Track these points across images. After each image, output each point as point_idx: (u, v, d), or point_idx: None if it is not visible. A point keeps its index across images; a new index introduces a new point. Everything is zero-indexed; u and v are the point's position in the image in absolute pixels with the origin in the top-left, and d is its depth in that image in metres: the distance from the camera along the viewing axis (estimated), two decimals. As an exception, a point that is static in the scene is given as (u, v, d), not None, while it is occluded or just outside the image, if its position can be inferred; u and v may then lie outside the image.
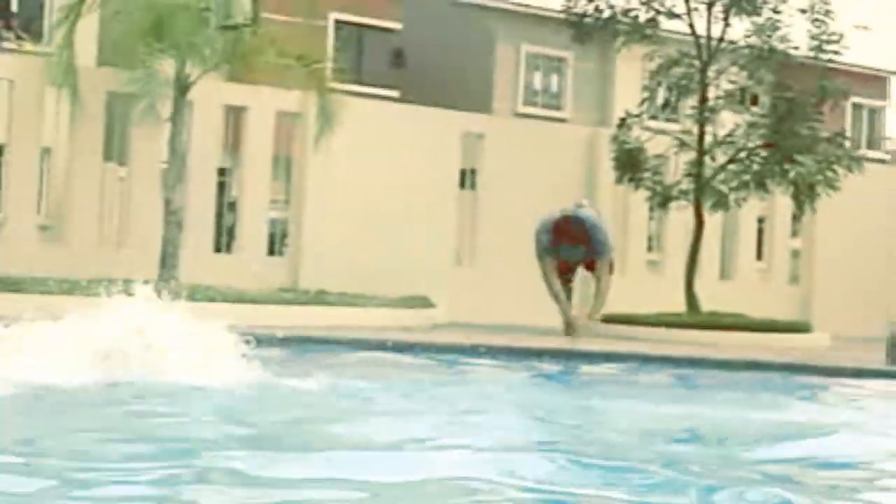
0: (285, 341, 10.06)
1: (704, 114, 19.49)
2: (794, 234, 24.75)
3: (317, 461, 5.26)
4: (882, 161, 35.36)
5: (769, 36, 19.49)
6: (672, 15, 19.74)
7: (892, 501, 5.26)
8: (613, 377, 11.64)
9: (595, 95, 35.13)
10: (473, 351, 11.95)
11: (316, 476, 4.90)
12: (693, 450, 6.61)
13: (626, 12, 19.76)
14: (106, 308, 7.62)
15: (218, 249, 20.63)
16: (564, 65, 35.10)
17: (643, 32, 19.74)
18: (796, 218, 23.79)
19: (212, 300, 14.21)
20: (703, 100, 19.52)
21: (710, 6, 19.52)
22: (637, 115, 19.83)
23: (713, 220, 20.80)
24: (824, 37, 19.42)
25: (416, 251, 20.01)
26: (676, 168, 20.48)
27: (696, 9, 19.52)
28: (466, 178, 21.75)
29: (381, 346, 11.80)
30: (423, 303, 17.67)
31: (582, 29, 20.06)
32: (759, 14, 19.58)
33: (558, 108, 35.07)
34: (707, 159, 19.54)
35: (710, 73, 19.59)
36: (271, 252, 21.34)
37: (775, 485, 5.17)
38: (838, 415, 9.02)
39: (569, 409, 8.22)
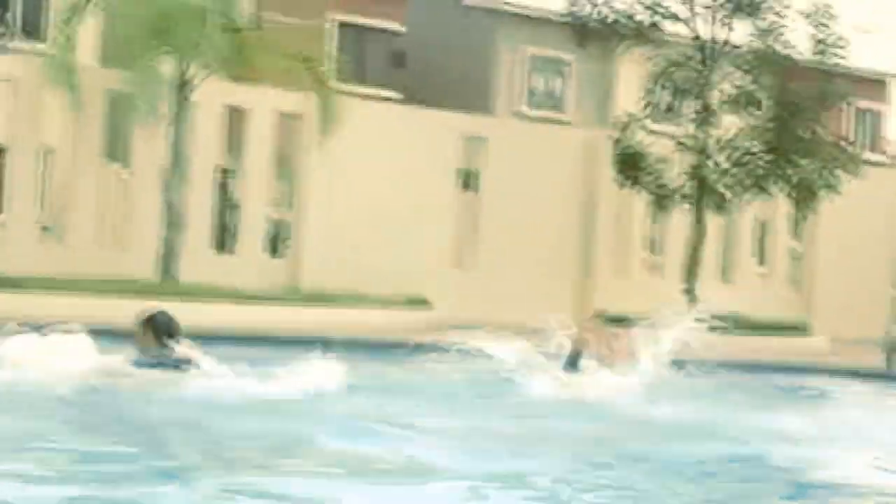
0: None
1: (706, 117, 19.49)
2: (795, 236, 24.73)
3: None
4: (882, 164, 35.32)
5: (772, 40, 19.49)
6: (675, 18, 19.74)
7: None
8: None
9: (596, 98, 35.03)
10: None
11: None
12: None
13: (628, 17, 19.76)
14: None
15: (219, 249, 20.61)
16: (566, 67, 35.05)
17: (646, 36, 19.74)
18: (797, 221, 23.77)
19: (212, 300, 14.22)
20: (705, 103, 19.53)
21: (713, 10, 19.52)
22: (639, 118, 19.83)
23: (714, 223, 20.79)
24: (827, 41, 19.43)
25: (416, 252, 20.00)
26: (679, 170, 20.46)
27: (699, 14, 19.53)
28: (466, 179, 21.72)
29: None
30: (423, 303, 17.67)
31: (584, 32, 20.07)
32: (762, 18, 19.57)
33: (560, 110, 35.01)
34: (708, 162, 19.54)
35: (713, 77, 19.60)
36: (273, 252, 21.32)
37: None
38: (831, 417, 9.03)
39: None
